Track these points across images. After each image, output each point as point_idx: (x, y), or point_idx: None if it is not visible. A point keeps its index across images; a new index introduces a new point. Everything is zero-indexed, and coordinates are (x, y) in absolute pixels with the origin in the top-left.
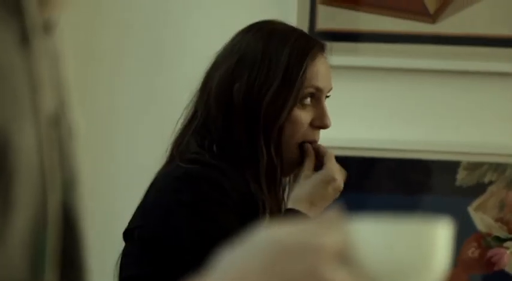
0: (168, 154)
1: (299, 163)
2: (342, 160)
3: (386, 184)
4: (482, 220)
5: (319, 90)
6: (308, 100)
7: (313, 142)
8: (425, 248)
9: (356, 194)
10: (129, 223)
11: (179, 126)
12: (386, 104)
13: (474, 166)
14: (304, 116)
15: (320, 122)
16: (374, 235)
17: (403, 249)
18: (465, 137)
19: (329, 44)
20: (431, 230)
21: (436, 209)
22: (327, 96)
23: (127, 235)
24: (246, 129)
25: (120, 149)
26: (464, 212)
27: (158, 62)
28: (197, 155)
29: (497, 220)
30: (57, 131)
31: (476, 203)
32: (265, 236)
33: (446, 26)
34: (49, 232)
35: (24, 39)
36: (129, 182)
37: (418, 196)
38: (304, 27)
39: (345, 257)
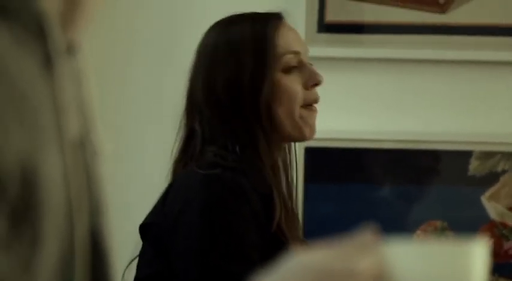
0: (173, 164)
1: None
2: (350, 152)
3: (398, 175)
4: (495, 209)
5: (297, 54)
6: (292, 68)
7: (314, 102)
8: (463, 269)
9: (367, 185)
10: (145, 218)
11: (178, 146)
12: (396, 95)
13: (486, 156)
14: (292, 81)
15: (312, 80)
16: (410, 257)
17: (440, 271)
18: (477, 127)
19: (338, 36)
20: (467, 251)
21: (449, 199)
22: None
23: (142, 231)
24: (241, 119)
25: (130, 161)
26: (477, 201)
27: (167, 68)
28: (220, 157)
29: (510, 209)
30: (83, 156)
31: (489, 192)
32: (300, 262)
33: (455, 16)
34: (77, 262)
35: (48, 62)
36: (140, 194)
37: (430, 186)
38: (313, 19)
39: None
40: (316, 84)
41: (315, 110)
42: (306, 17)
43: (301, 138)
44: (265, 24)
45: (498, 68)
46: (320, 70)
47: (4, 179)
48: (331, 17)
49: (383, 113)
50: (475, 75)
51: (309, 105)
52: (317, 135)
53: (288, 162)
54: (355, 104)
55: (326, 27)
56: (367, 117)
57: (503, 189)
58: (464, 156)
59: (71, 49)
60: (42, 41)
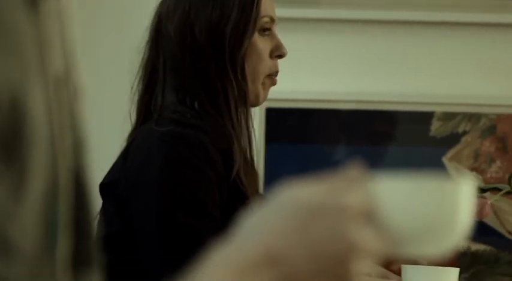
0: (136, 113)
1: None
2: (310, 113)
3: (360, 136)
4: (457, 169)
5: (272, 20)
6: (266, 30)
7: (276, 73)
8: (450, 204)
9: (328, 145)
10: (105, 177)
11: (139, 87)
12: (359, 57)
13: (448, 116)
14: (264, 45)
15: (279, 51)
16: (397, 192)
17: (428, 206)
18: (438, 88)
19: None
20: (455, 187)
21: (411, 159)
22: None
23: (103, 190)
24: (215, 65)
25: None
26: (439, 162)
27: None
28: (179, 114)
29: (472, 170)
30: (65, 93)
31: (450, 153)
32: (290, 197)
33: None
34: (61, 200)
35: None
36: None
37: (392, 147)
38: None
39: (369, 216)
40: (281, 56)
41: (274, 83)
42: None
43: (254, 103)
44: None
45: (460, 28)
46: (281, 31)
47: None
48: None
49: (345, 74)
50: (436, 36)
51: (272, 75)
52: (278, 95)
53: (250, 122)
54: (316, 65)
55: None
56: (329, 78)
57: (465, 150)
58: (425, 117)
59: None
60: None
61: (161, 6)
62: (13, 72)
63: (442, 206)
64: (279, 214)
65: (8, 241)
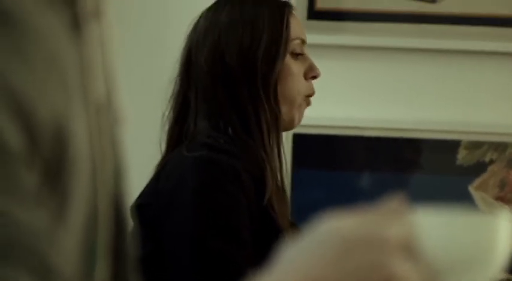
0: (166, 141)
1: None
2: (336, 140)
3: (386, 163)
4: (483, 199)
5: (303, 42)
6: (298, 54)
7: (312, 95)
8: (488, 240)
9: (355, 172)
10: (137, 199)
11: (170, 116)
12: (388, 84)
13: (474, 145)
14: (297, 67)
15: (313, 72)
16: (437, 226)
17: (466, 241)
18: (465, 116)
19: (328, 23)
20: (493, 222)
21: (437, 188)
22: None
23: (134, 211)
24: (247, 90)
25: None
26: (465, 191)
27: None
28: (213, 139)
29: (497, 199)
30: (106, 119)
31: (476, 182)
32: (329, 229)
33: (444, 5)
34: (101, 226)
35: (76, 25)
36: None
37: (419, 175)
38: (303, 7)
39: (409, 249)
40: (315, 76)
41: (309, 103)
42: (297, 3)
43: (289, 126)
44: (282, 7)
45: (486, 58)
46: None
47: (38, 132)
48: (321, 4)
49: (373, 101)
50: (464, 65)
51: (309, 96)
52: (305, 121)
53: (281, 146)
54: (344, 91)
55: (316, 14)
56: (357, 105)
57: (491, 179)
58: (452, 145)
59: (97, 14)
60: (71, 3)
61: (190, 37)
62: (57, 100)
63: (482, 240)
64: (316, 247)
65: (49, 265)
